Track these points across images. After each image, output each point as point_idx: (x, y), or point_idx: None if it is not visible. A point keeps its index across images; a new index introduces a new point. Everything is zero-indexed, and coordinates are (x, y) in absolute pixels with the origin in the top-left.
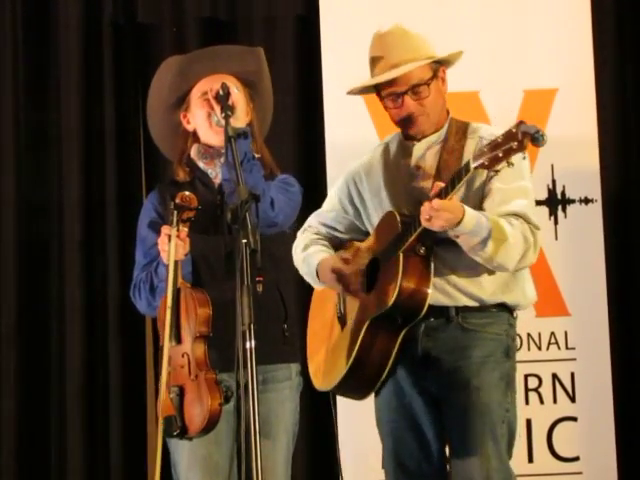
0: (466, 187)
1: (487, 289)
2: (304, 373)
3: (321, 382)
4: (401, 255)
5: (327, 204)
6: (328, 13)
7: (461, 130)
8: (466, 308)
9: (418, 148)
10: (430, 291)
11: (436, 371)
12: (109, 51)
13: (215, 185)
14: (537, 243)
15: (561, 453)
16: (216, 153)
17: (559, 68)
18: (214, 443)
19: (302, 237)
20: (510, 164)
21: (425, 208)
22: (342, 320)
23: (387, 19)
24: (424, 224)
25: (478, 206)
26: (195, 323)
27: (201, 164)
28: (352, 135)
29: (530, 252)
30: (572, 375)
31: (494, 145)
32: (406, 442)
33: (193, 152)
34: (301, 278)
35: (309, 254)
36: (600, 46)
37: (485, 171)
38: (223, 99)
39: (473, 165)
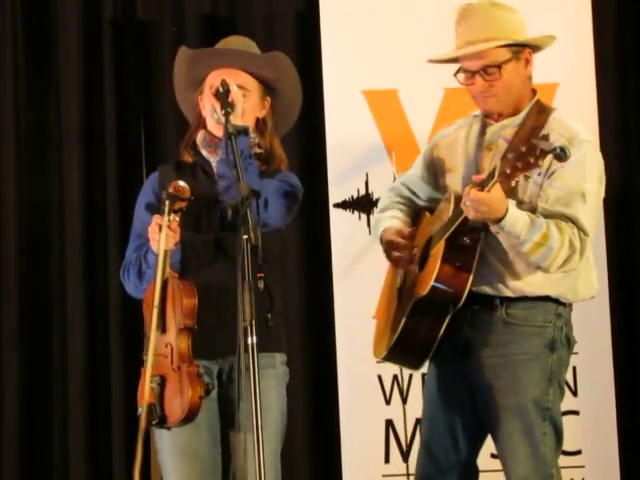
0: (524, 177)
1: (532, 282)
2: (306, 365)
3: (375, 351)
4: (443, 243)
5: (414, 166)
6: (328, 9)
7: (542, 117)
8: (510, 298)
9: (492, 130)
10: (470, 281)
11: (474, 364)
12: (109, 49)
13: (215, 175)
14: (584, 249)
15: (563, 447)
16: (220, 144)
17: (559, 63)
18: (194, 431)
19: (385, 196)
20: (527, 177)
21: (464, 195)
22: (400, 293)
23: (387, 15)
24: (462, 209)
25: (534, 200)
26: (181, 315)
27: (204, 152)
28: (353, 132)
29: (575, 257)
30: (574, 369)
31: (517, 155)
32: (438, 428)
33: (199, 138)
34: (285, 271)
35: (382, 217)
36: (601, 40)
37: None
38: (223, 96)
39: (498, 172)
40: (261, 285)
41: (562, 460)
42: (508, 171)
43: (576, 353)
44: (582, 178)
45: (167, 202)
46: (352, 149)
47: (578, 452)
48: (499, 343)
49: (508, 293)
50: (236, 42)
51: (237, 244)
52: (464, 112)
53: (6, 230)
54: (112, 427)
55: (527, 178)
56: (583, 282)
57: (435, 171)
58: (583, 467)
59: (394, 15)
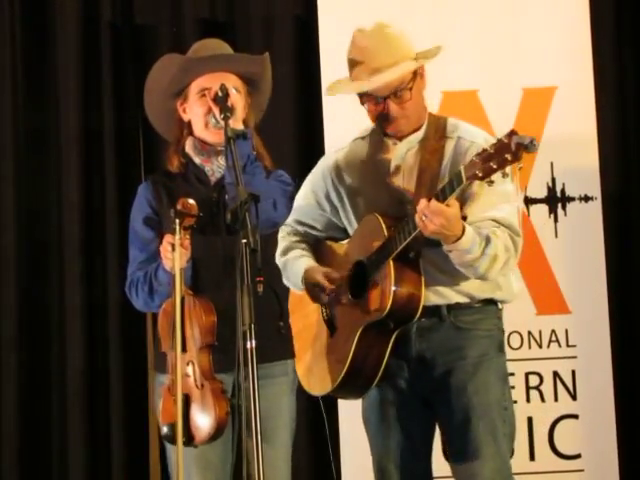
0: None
1: (475, 285)
2: None
3: (313, 387)
4: (392, 262)
5: (302, 198)
6: (326, 13)
7: (440, 128)
8: (457, 305)
9: (399, 149)
10: (423, 296)
11: (431, 373)
12: (107, 52)
13: (211, 182)
14: (518, 249)
15: (563, 451)
16: (213, 151)
17: (558, 66)
18: (214, 447)
19: (280, 238)
20: (505, 174)
21: (421, 207)
22: (330, 324)
23: (385, 18)
24: (418, 224)
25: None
26: (200, 332)
27: (197, 160)
28: (351, 135)
29: (511, 260)
30: (573, 373)
31: (486, 156)
32: (392, 444)
33: (188, 146)
34: None
35: (289, 260)
36: (599, 43)
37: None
38: (222, 100)
39: (465, 176)
40: (260, 289)
41: (562, 464)
42: (480, 174)
43: (575, 357)
44: (502, 180)
45: (177, 220)
46: None
47: (577, 456)
48: (454, 348)
49: (456, 298)
50: (212, 45)
51: (236, 248)
52: (463, 116)
53: (5, 232)
54: (111, 429)
55: (491, 183)
56: (515, 279)
57: (335, 196)
58: (582, 471)
59: (393, 20)
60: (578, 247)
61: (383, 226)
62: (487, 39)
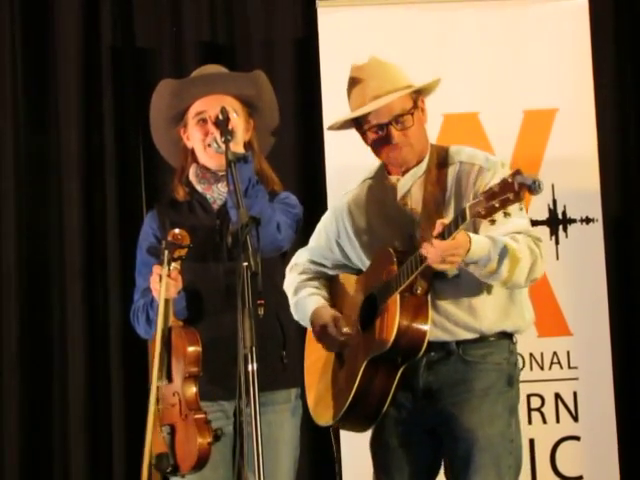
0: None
1: (486, 320)
2: (303, 397)
3: (320, 417)
4: (398, 296)
5: (315, 240)
6: (327, 37)
7: (442, 157)
8: (466, 341)
9: (403, 183)
10: (428, 330)
11: (438, 405)
12: (108, 75)
13: (214, 210)
14: (543, 254)
15: (564, 472)
16: (213, 177)
17: (559, 88)
18: (210, 468)
19: (290, 277)
20: (507, 214)
21: (432, 251)
22: (339, 356)
23: (385, 42)
24: (439, 267)
25: (475, 229)
26: (184, 363)
27: (199, 188)
28: (352, 156)
29: (538, 263)
30: (575, 394)
31: (490, 194)
32: (395, 471)
33: (191, 174)
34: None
35: (300, 299)
36: (599, 65)
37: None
38: (222, 124)
39: (470, 214)
40: (261, 312)
41: None
42: (483, 212)
43: (576, 379)
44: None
45: (166, 252)
46: (352, 177)
47: (579, 478)
48: (461, 381)
49: (465, 335)
50: (210, 70)
51: (237, 271)
52: (464, 138)
53: (6, 254)
54: (113, 453)
55: (493, 222)
56: (527, 307)
57: (344, 239)
58: None
59: (393, 42)
60: (579, 269)
61: (394, 258)
62: (488, 62)
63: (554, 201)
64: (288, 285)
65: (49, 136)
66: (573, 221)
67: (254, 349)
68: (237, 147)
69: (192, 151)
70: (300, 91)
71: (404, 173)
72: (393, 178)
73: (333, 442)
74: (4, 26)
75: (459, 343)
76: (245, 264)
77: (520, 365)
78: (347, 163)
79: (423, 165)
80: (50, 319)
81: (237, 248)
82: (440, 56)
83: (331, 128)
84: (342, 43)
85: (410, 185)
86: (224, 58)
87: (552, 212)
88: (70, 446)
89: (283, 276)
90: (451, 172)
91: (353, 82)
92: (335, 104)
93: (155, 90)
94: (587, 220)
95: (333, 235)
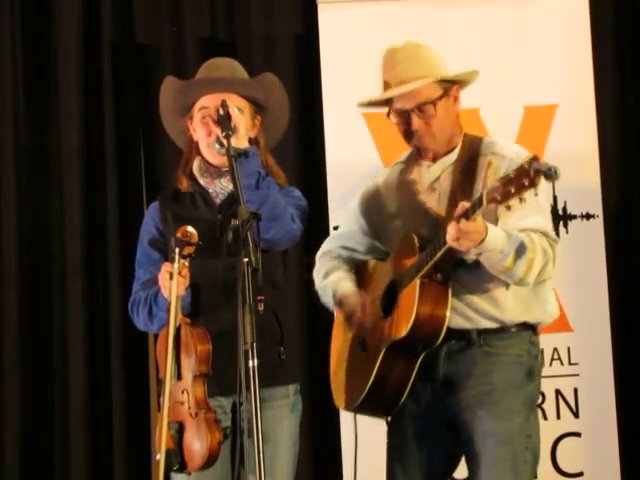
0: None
1: (508, 310)
2: (307, 392)
3: (342, 402)
4: (418, 282)
5: (345, 225)
6: (327, 32)
7: (474, 147)
8: (487, 330)
9: (433, 170)
10: (447, 319)
11: (456, 396)
12: (108, 71)
13: (216, 204)
14: (555, 256)
15: (565, 469)
16: (216, 172)
17: (559, 84)
18: (212, 470)
19: (321, 262)
20: (522, 200)
21: (452, 229)
22: (363, 341)
23: (386, 38)
24: (452, 244)
25: (494, 220)
26: (195, 361)
27: (202, 181)
28: (352, 152)
29: (549, 265)
30: (575, 391)
31: (507, 180)
32: (411, 461)
33: (195, 167)
34: (299, 300)
35: (329, 283)
36: (600, 61)
37: None
38: (223, 119)
39: (486, 199)
40: (261, 308)
41: None
42: (499, 197)
43: (577, 375)
44: (533, 192)
45: (176, 249)
46: (352, 172)
47: (580, 474)
48: (481, 373)
49: (486, 324)
50: (222, 64)
51: (237, 267)
52: None
53: (6, 253)
54: (113, 450)
55: (509, 208)
56: (550, 300)
57: (376, 220)
58: None
59: (393, 39)
60: (580, 265)
61: (417, 246)
62: (488, 57)
63: (555, 197)
64: (317, 270)
65: (49, 134)
66: (574, 217)
67: (255, 345)
68: (239, 142)
69: (197, 144)
70: (300, 87)
71: (434, 160)
72: (424, 164)
73: (355, 430)
74: (4, 25)
75: (480, 333)
76: (245, 260)
77: (541, 358)
78: (348, 158)
79: (454, 155)
80: (50, 318)
81: (237, 243)
82: (440, 52)
83: (361, 105)
84: (342, 40)
85: (439, 173)
86: (224, 55)
87: (553, 208)
88: (70, 446)
89: (282, 272)
90: (482, 164)
91: (384, 64)
92: (336, 99)
93: (162, 85)
94: (587, 216)
95: (365, 218)
